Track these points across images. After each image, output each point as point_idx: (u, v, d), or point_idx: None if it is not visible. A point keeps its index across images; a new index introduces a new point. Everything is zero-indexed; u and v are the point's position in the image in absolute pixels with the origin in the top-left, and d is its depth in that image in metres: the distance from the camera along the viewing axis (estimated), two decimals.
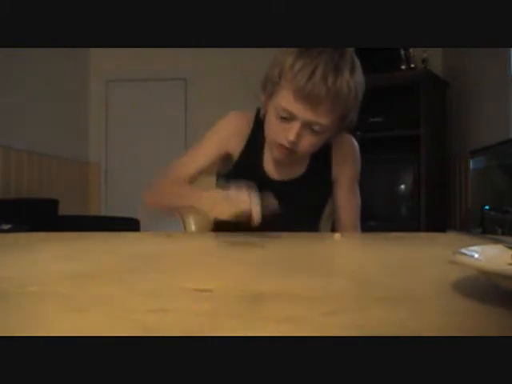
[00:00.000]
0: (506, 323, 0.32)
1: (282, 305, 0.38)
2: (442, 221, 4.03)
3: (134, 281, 0.49)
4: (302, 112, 1.08)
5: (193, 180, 1.29)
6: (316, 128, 1.11)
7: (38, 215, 3.44)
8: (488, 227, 2.80)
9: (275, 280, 0.50)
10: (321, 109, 1.07)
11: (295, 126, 1.10)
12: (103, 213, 5.26)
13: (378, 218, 3.90)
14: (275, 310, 0.36)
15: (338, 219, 1.33)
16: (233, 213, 0.97)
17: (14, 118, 4.12)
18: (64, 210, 4.16)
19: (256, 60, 3.37)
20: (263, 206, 0.98)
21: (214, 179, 1.45)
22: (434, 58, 4.39)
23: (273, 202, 1.02)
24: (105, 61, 5.27)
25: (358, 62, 1.14)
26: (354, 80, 1.09)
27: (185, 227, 1.47)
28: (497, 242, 0.70)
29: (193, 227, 1.46)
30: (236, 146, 1.28)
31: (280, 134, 1.14)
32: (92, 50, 5.31)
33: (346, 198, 1.31)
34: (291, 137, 1.11)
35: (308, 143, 1.14)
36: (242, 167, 1.27)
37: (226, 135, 1.28)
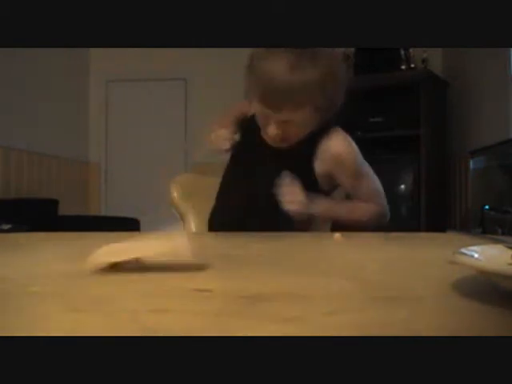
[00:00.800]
0: (506, 323, 0.32)
1: (281, 305, 0.38)
2: (442, 221, 4.03)
3: (133, 281, 0.49)
4: (270, 112, 1.18)
5: None
6: (292, 122, 1.19)
7: (38, 215, 3.43)
8: (488, 227, 2.80)
9: (275, 280, 0.50)
10: (285, 106, 1.16)
11: (271, 124, 1.21)
12: (103, 213, 5.26)
13: None
14: (275, 310, 0.36)
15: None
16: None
17: (14, 117, 4.12)
18: (64, 209, 4.16)
19: None
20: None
21: (214, 179, 1.45)
22: (434, 58, 4.39)
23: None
24: (105, 61, 5.27)
25: (326, 58, 1.19)
26: (315, 74, 1.15)
27: (184, 227, 1.47)
28: (497, 241, 0.70)
29: (192, 227, 1.46)
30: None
31: (264, 128, 1.25)
32: (92, 49, 5.30)
33: (353, 186, 1.32)
34: (270, 133, 1.22)
35: (293, 133, 1.23)
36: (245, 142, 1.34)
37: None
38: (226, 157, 1.39)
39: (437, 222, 3.89)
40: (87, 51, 5.32)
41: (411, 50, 4.15)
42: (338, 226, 1.29)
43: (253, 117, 1.30)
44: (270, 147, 1.29)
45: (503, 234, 2.47)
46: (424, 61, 4.20)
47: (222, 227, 1.27)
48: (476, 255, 0.43)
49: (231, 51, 4.90)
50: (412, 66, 4.16)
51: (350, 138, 1.32)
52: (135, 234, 1.42)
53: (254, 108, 1.24)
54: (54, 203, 3.94)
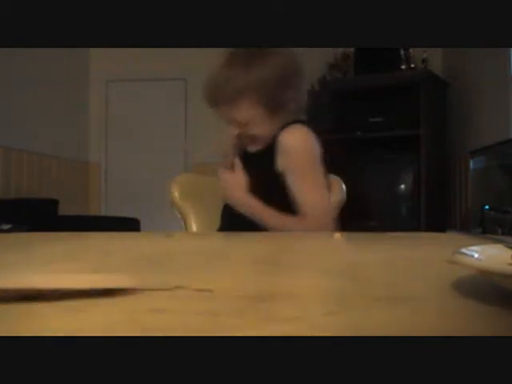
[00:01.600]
0: (506, 323, 0.32)
1: (281, 305, 0.38)
2: (442, 221, 4.03)
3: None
4: (218, 114, 1.30)
5: None
6: (241, 120, 1.27)
7: (38, 215, 3.43)
8: (488, 227, 2.80)
9: (275, 280, 0.50)
10: (223, 107, 1.27)
11: (230, 124, 1.30)
12: (103, 213, 5.26)
13: (378, 217, 3.90)
14: (275, 309, 0.36)
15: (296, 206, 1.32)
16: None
17: (14, 118, 4.12)
18: (64, 209, 4.16)
19: None
20: None
21: (214, 179, 1.45)
22: (434, 58, 4.39)
23: None
24: (105, 61, 5.27)
25: (270, 58, 1.25)
26: (249, 74, 1.22)
27: (185, 227, 1.47)
28: (497, 241, 0.70)
29: (193, 227, 1.46)
30: None
31: (228, 130, 1.34)
32: (92, 49, 5.30)
33: (293, 183, 1.29)
34: (230, 133, 1.31)
35: (252, 132, 1.30)
36: None
37: None
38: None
39: (437, 222, 3.89)
40: (87, 51, 5.32)
41: (411, 50, 4.15)
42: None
43: None
44: (245, 151, 1.35)
45: (503, 233, 2.48)
46: (424, 61, 4.20)
47: (232, 218, 1.33)
48: (476, 255, 0.43)
49: None
50: (412, 66, 4.17)
51: (310, 137, 1.30)
52: (135, 233, 1.42)
53: None
54: (53, 203, 3.93)
